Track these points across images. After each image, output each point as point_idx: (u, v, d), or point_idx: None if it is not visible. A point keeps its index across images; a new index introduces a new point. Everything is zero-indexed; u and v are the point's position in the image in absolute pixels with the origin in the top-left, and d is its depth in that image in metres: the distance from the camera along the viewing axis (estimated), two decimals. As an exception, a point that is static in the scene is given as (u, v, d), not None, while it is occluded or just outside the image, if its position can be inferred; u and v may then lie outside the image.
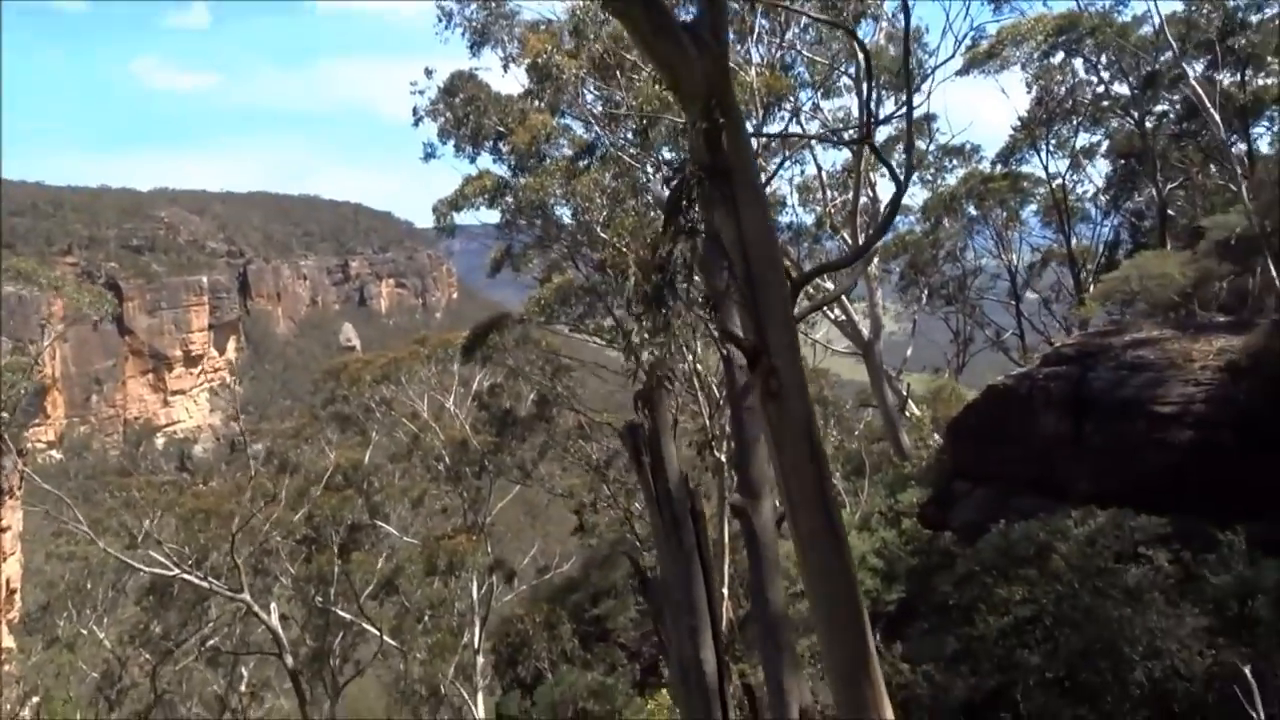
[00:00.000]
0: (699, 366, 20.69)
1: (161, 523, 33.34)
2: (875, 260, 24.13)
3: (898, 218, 28.24)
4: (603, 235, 18.90)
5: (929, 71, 21.96)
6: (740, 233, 5.67)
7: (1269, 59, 26.37)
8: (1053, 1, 29.65)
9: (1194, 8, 23.06)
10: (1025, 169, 36.88)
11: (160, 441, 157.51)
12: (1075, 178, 34.05)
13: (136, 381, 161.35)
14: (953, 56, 23.06)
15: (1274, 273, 17.14)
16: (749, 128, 16.01)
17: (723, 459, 19.31)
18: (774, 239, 6.22)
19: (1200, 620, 11.73)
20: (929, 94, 22.09)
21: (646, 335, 5.81)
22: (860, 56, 7.02)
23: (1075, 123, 32.48)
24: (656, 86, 14.97)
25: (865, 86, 7.37)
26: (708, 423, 19.80)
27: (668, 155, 18.76)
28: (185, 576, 27.59)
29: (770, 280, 5.81)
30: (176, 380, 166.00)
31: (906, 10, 8.74)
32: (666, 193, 15.47)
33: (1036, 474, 17.25)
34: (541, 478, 32.10)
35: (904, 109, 21.00)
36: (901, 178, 9.72)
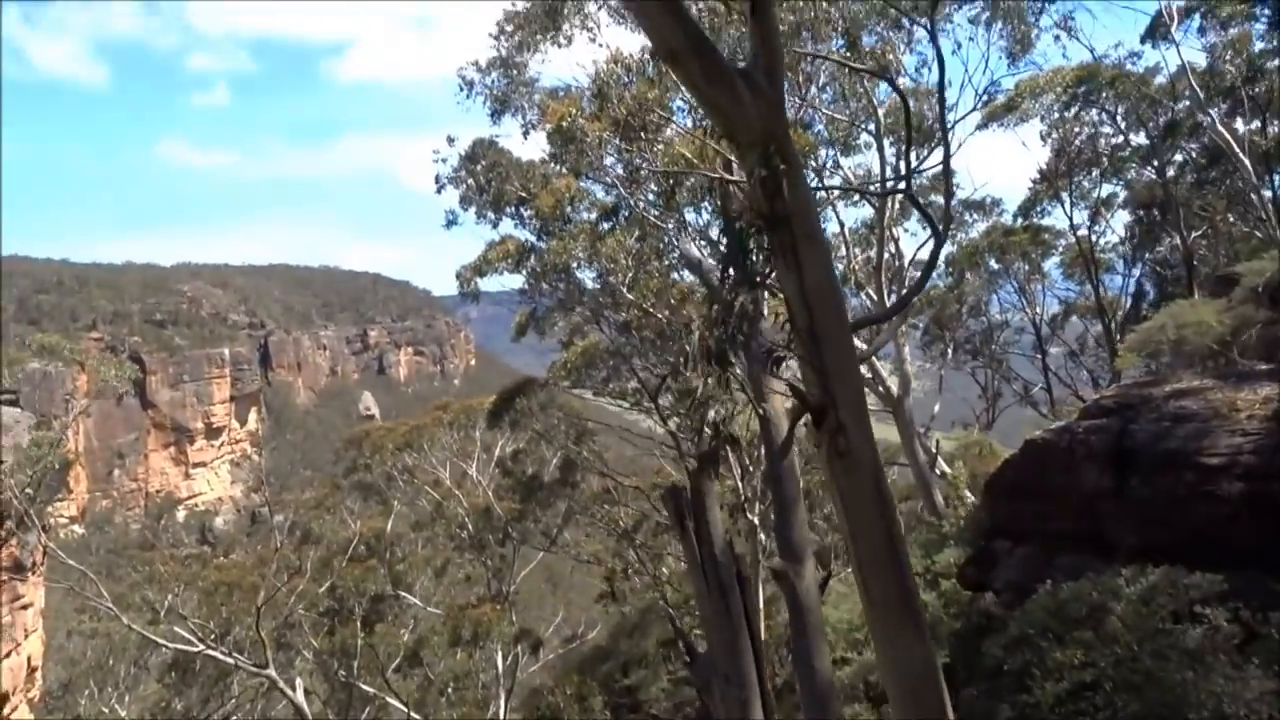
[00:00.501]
0: (709, 425, 20.41)
1: (184, 597, 33.04)
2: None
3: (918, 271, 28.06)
4: (629, 296, 18.77)
5: (950, 126, 21.86)
6: (802, 283, 5.45)
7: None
8: (1071, 54, 29.46)
9: (1216, 56, 23.01)
10: (1046, 221, 36.81)
11: (182, 514, 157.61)
12: (1097, 229, 33.88)
13: (159, 455, 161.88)
14: (973, 110, 23.04)
15: (1314, 319, 16.77)
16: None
17: (755, 521, 18.92)
18: (838, 289, 6.00)
19: (1268, 683, 11.19)
20: (949, 148, 21.95)
21: (711, 393, 5.52)
22: (903, 104, 6.89)
23: (1095, 174, 32.41)
24: (680, 148, 14.95)
25: (906, 136, 7.27)
26: (739, 484, 19.43)
27: (690, 216, 18.72)
28: (210, 653, 27.13)
29: (835, 332, 5.58)
30: (198, 453, 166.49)
31: (940, 59, 8.58)
32: (694, 251, 15.35)
33: (1079, 530, 16.76)
34: (566, 544, 31.64)
35: (926, 161, 20.98)
36: (940, 228, 9.53)
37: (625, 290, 18.58)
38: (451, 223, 25.70)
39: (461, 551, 39.87)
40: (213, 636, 30.84)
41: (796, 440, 11.69)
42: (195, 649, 27.04)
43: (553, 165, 22.60)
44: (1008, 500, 18.14)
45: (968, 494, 22.46)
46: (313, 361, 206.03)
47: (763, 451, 19.86)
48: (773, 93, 5.41)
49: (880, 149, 22.00)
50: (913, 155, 24.53)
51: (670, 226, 17.28)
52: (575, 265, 20.14)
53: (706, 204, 16.46)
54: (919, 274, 28.21)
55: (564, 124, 16.15)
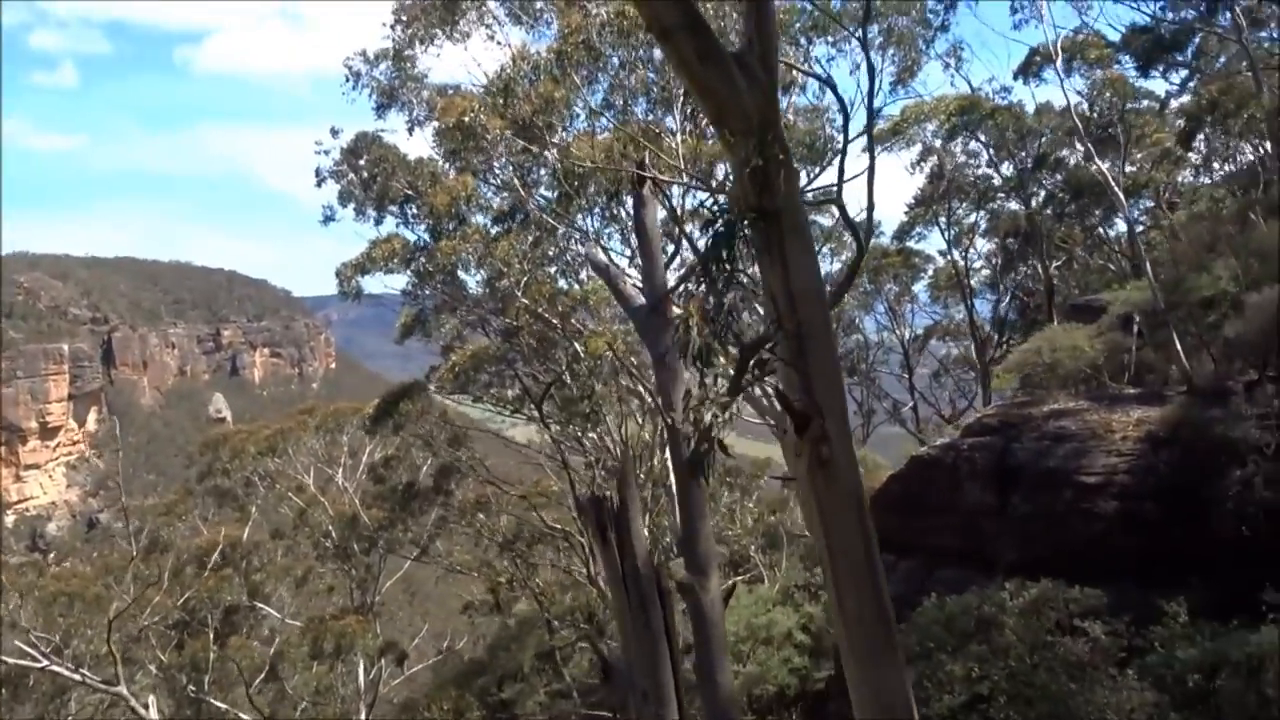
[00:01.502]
0: (621, 434, 20.13)
1: (19, 607, 30.80)
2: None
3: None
4: (523, 300, 18.35)
5: (842, 146, 22.21)
6: (788, 281, 5.24)
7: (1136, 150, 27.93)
8: (951, 85, 30.49)
9: (1094, 94, 24.12)
10: (917, 245, 38.05)
11: (10, 519, 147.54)
12: (965, 255, 35.19)
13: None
14: (859, 134, 23.48)
15: (1178, 346, 17.67)
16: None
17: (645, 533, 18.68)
18: (823, 290, 5.82)
19: (1148, 695, 11.60)
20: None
21: (707, 396, 5.24)
22: (841, 110, 6.80)
23: (965, 202, 33.63)
24: (582, 150, 14.69)
25: (843, 143, 7.20)
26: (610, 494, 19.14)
27: (585, 223, 18.44)
28: (55, 669, 25.24)
29: (821, 336, 5.39)
30: (31, 454, 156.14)
31: (870, 66, 8.57)
32: (600, 256, 15.08)
33: (962, 545, 17.20)
34: (439, 554, 30.81)
35: (818, 179, 21.22)
36: (863, 241, 9.55)
37: (519, 294, 18.14)
38: (329, 219, 24.73)
39: (324, 561, 38.45)
40: (50, 650, 28.80)
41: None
42: (40, 664, 25.09)
43: (442, 163, 22.02)
44: (892, 515, 18.43)
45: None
46: (160, 360, 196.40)
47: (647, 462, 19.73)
48: (767, 79, 5.20)
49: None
50: (831, 167, 24.98)
51: (569, 230, 16.97)
52: (465, 267, 19.59)
53: (616, 207, 16.20)
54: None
55: (465, 119, 15.66)
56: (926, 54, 21.55)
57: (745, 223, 5.05)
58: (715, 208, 5.43)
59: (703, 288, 5.10)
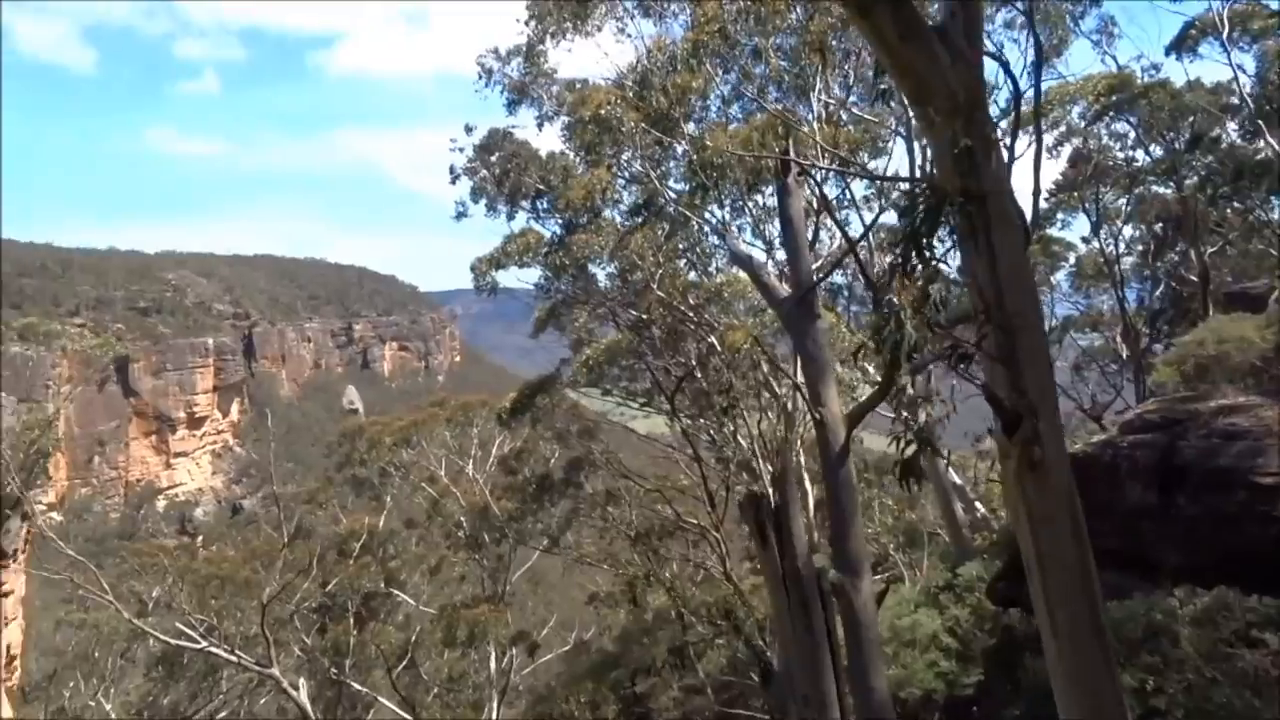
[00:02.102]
0: (758, 429, 19.75)
1: (172, 589, 32.32)
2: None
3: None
4: (659, 292, 18.21)
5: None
6: (995, 269, 4.92)
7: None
8: (1097, 64, 28.87)
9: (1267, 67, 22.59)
10: (1057, 233, 36.45)
11: (161, 504, 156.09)
12: (1116, 241, 33.49)
13: (140, 443, 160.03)
14: (1002, 117, 22.58)
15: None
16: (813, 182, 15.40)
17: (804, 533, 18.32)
18: (1033, 279, 5.46)
19: (1342, 713, 10.72)
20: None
21: (922, 395, 4.98)
22: (1012, 91, 6.32)
23: (1112, 186, 32.01)
24: (721, 139, 14.43)
25: (1014, 123, 6.81)
26: (770, 492, 18.78)
27: (719, 215, 18.14)
28: (213, 650, 26.35)
29: (1031, 329, 5.05)
30: (180, 442, 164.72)
31: (1037, 41, 8.04)
32: (742, 248, 14.80)
33: (1120, 547, 16.23)
34: (568, 545, 31.02)
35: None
36: (1030, 231, 9.03)
37: (654, 287, 18.00)
38: (461, 214, 25.11)
39: (456, 550, 39.26)
40: (201, 631, 30.16)
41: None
42: (198, 645, 26.24)
43: (572, 157, 22.06)
44: (1043, 514, 17.63)
45: (998, 507, 21.96)
46: (297, 354, 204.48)
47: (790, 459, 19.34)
48: (973, 55, 4.87)
49: (910, 150, 21.50)
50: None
51: (702, 222, 16.72)
52: (599, 261, 19.55)
53: (752, 198, 15.91)
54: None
55: (602, 111, 15.55)
56: (1075, 30, 20.52)
57: (951, 207, 4.73)
58: (917, 191, 5.11)
59: (901, 276, 4.79)
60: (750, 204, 17.72)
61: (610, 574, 35.43)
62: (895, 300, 4.69)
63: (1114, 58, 25.30)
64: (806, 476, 20.93)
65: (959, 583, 20.35)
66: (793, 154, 12.23)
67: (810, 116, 16.45)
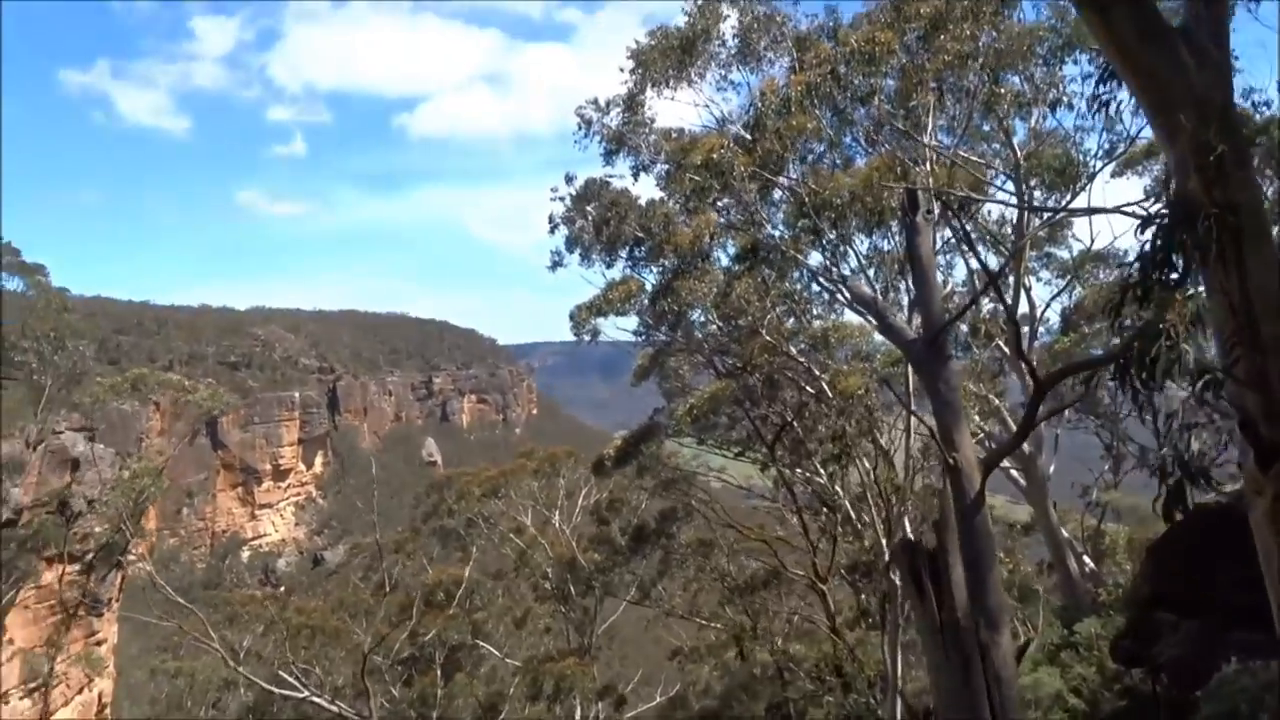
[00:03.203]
0: (872, 476, 19.18)
1: (264, 638, 32.59)
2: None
3: (1041, 327, 26.80)
4: (767, 337, 17.91)
5: (1093, 171, 20.93)
6: (1245, 288, 4.56)
7: None
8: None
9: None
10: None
11: (245, 555, 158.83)
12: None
13: (226, 495, 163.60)
14: (1108, 159, 22.07)
15: None
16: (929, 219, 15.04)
17: (896, 580, 17.73)
18: None
19: None
20: (1083, 196, 21.06)
21: (1199, 420, 4.64)
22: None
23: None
24: (842, 181, 14.19)
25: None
26: (882, 539, 18.25)
27: (863, 248, 17.80)
28: (316, 699, 26.35)
29: None
30: (265, 494, 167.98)
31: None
32: (865, 289, 14.47)
33: (1255, 605, 15.27)
34: (660, 597, 30.52)
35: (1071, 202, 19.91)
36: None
37: (763, 332, 17.70)
38: (557, 264, 25.19)
39: (542, 602, 39.05)
40: (299, 679, 30.25)
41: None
42: (300, 693, 26.27)
43: (671, 204, 22.03)
44: (1175, 569, 16.74)
45: (1124, 561, 20.98)
46: (378, 407, 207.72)
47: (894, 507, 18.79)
48: (1221, 58, 4.55)
49: (1019, 190, 20.98)
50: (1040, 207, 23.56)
51: (817, 266, 16.44)
52: (704, 307, 19.35)
53: (880, 237, 15.61)
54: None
55: (714, 156, 15.44)
56: None
57: (1206, 220, 4.38)
58: (1159, 206, 4.77)
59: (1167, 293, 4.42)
60: (860, 247, 17.47)
61: (693, 629, 34.80)
62: (1165, 318, 4.33)
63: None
64: (907, 523, 20.29)
65: (1078, 640, 19.44)
66: (905, 199, 11.93)
67: (925, 157, 16.15)
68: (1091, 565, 26.04)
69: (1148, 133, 22.44)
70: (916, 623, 8.69)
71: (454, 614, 37.69)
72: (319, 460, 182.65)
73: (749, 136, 17.13)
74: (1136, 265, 4.83)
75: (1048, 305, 25.93)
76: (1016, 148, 20.71)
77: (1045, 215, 20.52)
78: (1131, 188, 28.28)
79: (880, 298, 13.41)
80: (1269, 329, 4.61)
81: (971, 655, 7.35)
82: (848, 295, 14.46)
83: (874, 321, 14.15)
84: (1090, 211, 21.91)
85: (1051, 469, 30.47)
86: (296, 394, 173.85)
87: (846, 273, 19.94)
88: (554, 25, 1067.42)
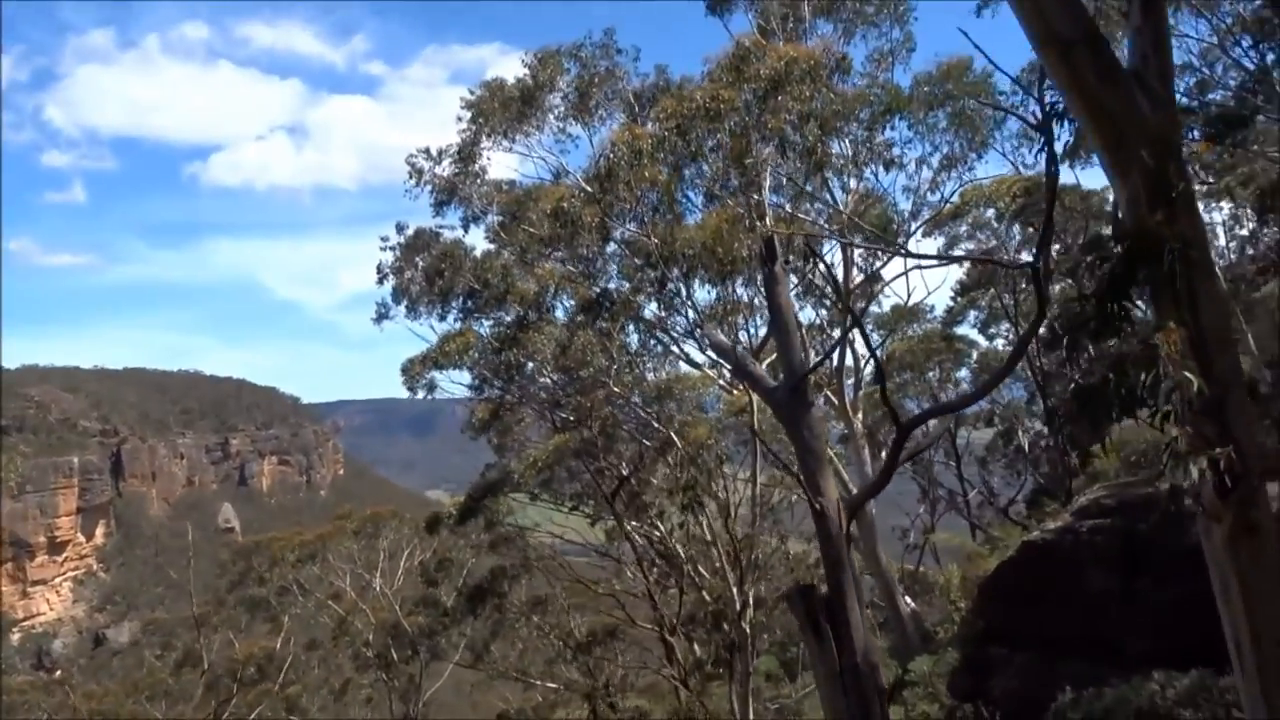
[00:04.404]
0: (723, 524, 19.17)
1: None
2: (860, 416, 23.64)
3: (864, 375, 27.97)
4: (614, 388, 17.85)
5: (909, 232, 22.22)
6: (1198, 324, 4.74)
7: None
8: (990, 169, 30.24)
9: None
10: (960, 330, 37.72)
11: (16, 637, 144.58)
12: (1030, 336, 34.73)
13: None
14: (919, 225, 23.49)
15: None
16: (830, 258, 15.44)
17: (747, 629, 17.86)
18: (1232, 333, 5.29)
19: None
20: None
21: (1186, 444, 4.70)
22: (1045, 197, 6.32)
23: (1014, 285, 33.34)
24: (691, 233, 14.39)
25: (1047, 212, 6.93)
26: (733, 588, 18.25)
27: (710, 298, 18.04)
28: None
29: (1235, 384, 4.85)
30: (38, 569, 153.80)
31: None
32: (721, 337, 14.62)
33: (1083, 635, 16.26)
34: (492, 659, 29.66)
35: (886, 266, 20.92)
36: (1044, 309, 9.11)
37: (610, 383, 17.64)
38: (383, 315, 24.55)
39: (363, 670, 37.41)
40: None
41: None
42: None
43: (507, 255, 21.86)
44: (1004, 604, 17.61)
45: (959, 598, 21.87)
46: (168, 470, 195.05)
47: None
48: (1167, 96, 4.77)
49: (845, 249, 21.96)
50: (852, 267, 24.72)
51: (657, 314, 16.57)
52: (542, 359, 19.15)
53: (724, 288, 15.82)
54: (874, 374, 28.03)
55: (564, 205, 15.39)
56: (994, 134, 21.48)
57: (1168, 255, 4.56)
58: (1108, 245, 4.95)
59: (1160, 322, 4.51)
60: (707, 297, 17.78)
61: (522, 690, 34.02)
62: (1157, 346, 4.45)
63: (1013, 162, 26.58)
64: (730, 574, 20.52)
65: (913, 678, 20.09)
66: (762, 245, 12.18)
67: (759, 214, 16.61)
68: (912, 605, 27.13)
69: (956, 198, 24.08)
70: (814, 667, 8.67)
71: (266, 689, 35.60)
72: (100, 530, 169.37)
73: (589, 189, 17.22)
74: (1090, 300, 5.02)
75: (871, 356, 27.09)
76: (840, 206, 21.66)
77: (906, 264, 21.50)
78: (934, 244, 30.07)
79: (737, 345, 13.60)
80: (1219, 361, 4.86)
81: (871, 699, 7.38)
82: (705, 343, 14.64)
83: (729, 369, 14.36)
84: (964, 259, 23.25)
85: (872, 511, 31.76)
86: (75, 459, 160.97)
87: (680, 326, 20.30)
88: (359, 77, 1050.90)
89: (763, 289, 18.00)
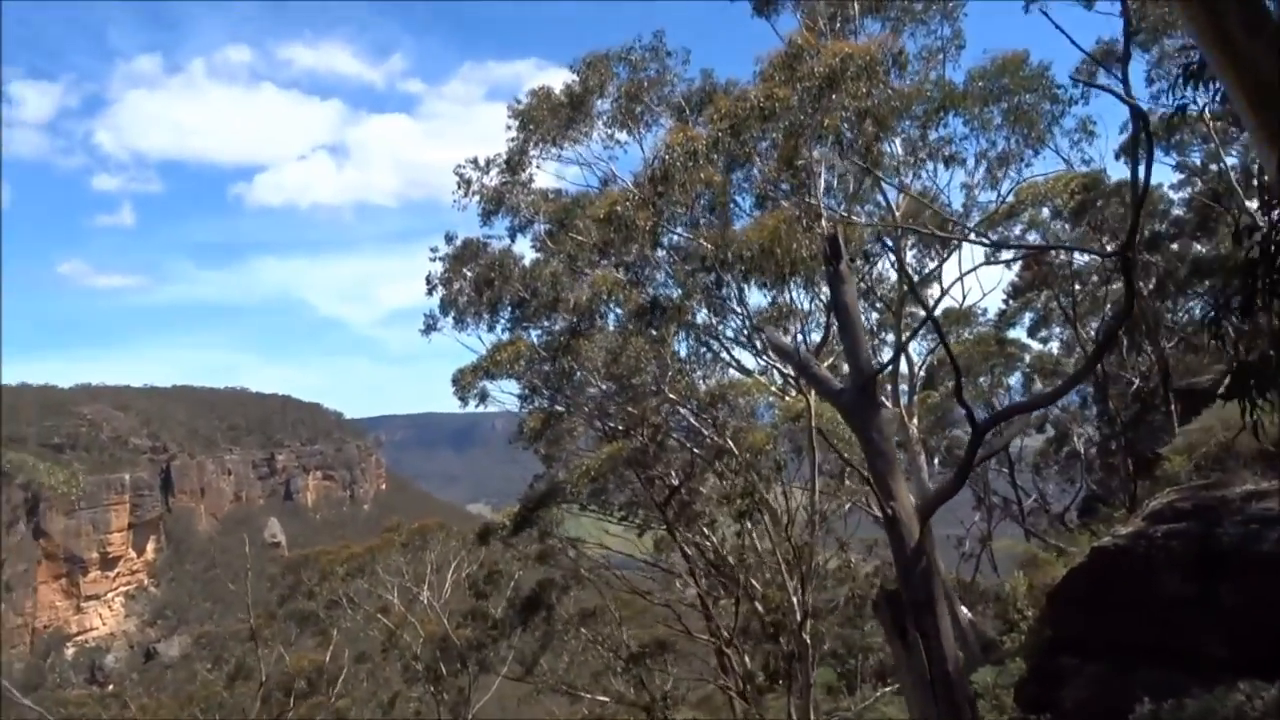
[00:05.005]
0: (784, 533, 18.74)
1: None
2: (915, 422, 23.14)
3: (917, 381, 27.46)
4: (670, 395, 17.58)
5: (964, 231, 21.73)
6: None
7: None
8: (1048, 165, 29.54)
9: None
10: (1013, 334, 37.10)
11: (70, 651, 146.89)
12: (1080, 338, 34.03)
13: (48, 587, 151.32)
14: (973, 224, 23.00)
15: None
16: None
17: (807, 639, 17.45)
18: None
19: None
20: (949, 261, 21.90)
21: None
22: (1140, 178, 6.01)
23: (1075, 285, 32.72)
24: (751, 235, 14.10)
25: (1137, 206, 6.58)
26: (793, 597, 17.82)
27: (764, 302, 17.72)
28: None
29: None
30: (91, 584, 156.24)
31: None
32: (782, 339, 14.29)
33: (1158, 643, 15.67)
34: (543, 671, 29.41)
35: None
36: (1131, 302, 8.73)
37: (665, 389, 17.38)
38: (431, 327, 24.51)
39: (412, 683, 37.37)
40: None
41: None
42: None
43: (555, 264, 21.68)
44: (1075, 612, 17.04)
45: (1026, 606, 21.29)
46: (216, 486, 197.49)
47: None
48: None
49: (898, 251, 21.53)
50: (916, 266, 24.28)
51: (719, 321, 16.28)
52: (594, 367, 18.91)
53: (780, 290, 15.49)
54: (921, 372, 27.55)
55: (618, 209, 15.17)
56: (1051, 130, 20.97)
57: None
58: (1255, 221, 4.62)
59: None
60: (761, 301, 17.46)
61: (571, 704, 33.71)
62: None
63: (1066, 160, 26.01)
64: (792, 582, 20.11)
65: (977, 689, 19.54)
66: (826, 244, 11.86)
67: (813, 216, 16.29)
68: (969, 615, 26.54)
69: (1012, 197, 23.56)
70: (900, 675, 8.33)
71: (316, 702, 35.73)
72: (151, 546, 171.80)
73: (638, 193, 16.99)
74: (1235, 277, 4.69)
75: (924, 360, 26.66)
76: (894, 206, 21.25)
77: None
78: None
79: (802, 347, 13.28)
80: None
81: (962, 706, 7.04)
82: (764, 346, 14.33)
83: (790, 373, 14.04)
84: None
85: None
86: (126, 476, 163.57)
87: (730, 331, 19.98)
88: (397, 96, 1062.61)
89: (820, 291, 17.74)
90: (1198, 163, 27.30)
